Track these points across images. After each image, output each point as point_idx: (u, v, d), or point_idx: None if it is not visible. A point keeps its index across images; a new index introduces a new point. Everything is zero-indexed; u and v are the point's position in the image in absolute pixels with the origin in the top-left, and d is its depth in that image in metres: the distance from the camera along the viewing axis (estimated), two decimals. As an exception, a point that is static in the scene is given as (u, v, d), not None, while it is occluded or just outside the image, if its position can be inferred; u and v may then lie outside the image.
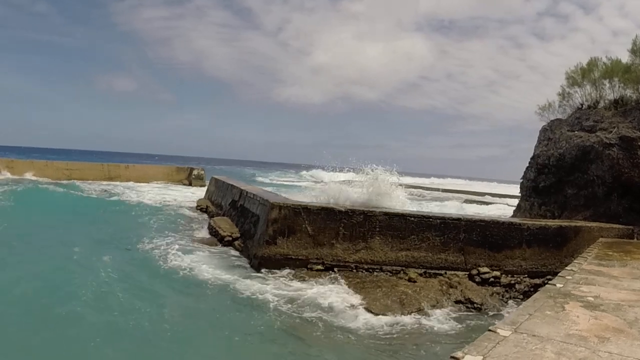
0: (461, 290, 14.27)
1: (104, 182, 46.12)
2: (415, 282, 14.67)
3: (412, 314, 12.61)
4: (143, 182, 48.83)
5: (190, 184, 51.09)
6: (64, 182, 42.68)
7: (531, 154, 24.49)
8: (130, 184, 46.99)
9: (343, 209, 15.91)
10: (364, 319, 12.07)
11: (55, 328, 10.59)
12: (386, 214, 15.93)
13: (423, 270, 15.32)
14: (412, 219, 15.81)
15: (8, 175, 41.85)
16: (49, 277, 14.26)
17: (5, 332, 10.00)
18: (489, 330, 6.27)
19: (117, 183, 46.68)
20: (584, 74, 22.77)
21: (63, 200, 31.82)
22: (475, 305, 13.71)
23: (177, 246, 18.78)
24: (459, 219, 16.09)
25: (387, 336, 11.23)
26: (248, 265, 16.51)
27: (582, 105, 22.78)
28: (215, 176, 35.57)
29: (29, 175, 42.42)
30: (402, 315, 12.50)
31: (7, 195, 29.49)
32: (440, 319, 12.60)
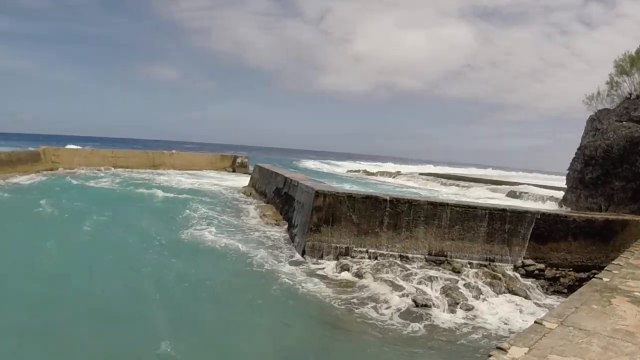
0: (505, 282, 14.15)
1: (149, 170, 46.76)
2: (459, 272, 14.63)
3: (456, 305, 12.55)
4: (187, 170, 49.35)
5: (234, 172, 51.44)
6: (113, 170, 43.65)
7: (577, 145, 24.10)
8: (175, 171, 47.56)
9: (388, 198, 15.89)
10: (406, 310, 12.06)
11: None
12: (431, 203, 15.91)
13: (467, 261, 15.29)
14: (458, 208, 15.73)
15: (60, 169, 42.59)
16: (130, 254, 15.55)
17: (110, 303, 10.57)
18: (535, 322, 6.26)
19: (162, 171, 47.24)
20: (633, 62, 22.25)
21: (120, 190, 32.57)
22: (519, 297, 13.59)
23: (222, 231, 19.18)
24: (504, 210, 15.94)
25: (429, 329, 11.17)
26: (292, 252, 16.63)
27: (630, 94, 22.28)
28: (260, 164, 35.81)
29: (76, 165, 43.14)
30: (445, 307, 12.45)
31: (67, 190, 30.24)
32: (484, 310, 12.53)
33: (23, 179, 32.62)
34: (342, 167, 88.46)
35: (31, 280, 12.44)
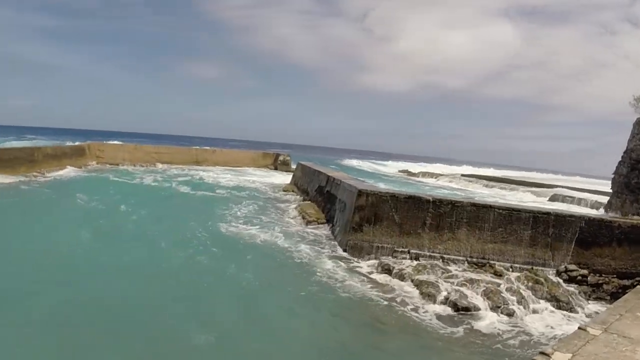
0: (547, 287, 13.97)
1: (192, 166, 47.30)
2: (500, 276, 14.50)
3: (497, 309, 12.47)
4: (229, 167, 49.79)
5: (275, 169, 51.71)
6: (156, 166, 44.44)
7: (624, 149, 23.69)
8: (218, 168, 48.08)
9: (430, 198, 15.89)
10: (447, 312, 12.06)
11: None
12: (474, 204, 15.84)
13: (509, 265, 15.16)
14: (500, 211, 15.60)
15: (104, 164, 43.34)
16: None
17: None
18: (579, 328, 6.25)
19: (204, 167, 47.78)
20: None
21: (162, 187, 33.19)
22: (561, 303, 13.41)
23: (262, 228, 19.47)
24: (548, 214, 15.73)
25: (469, 332, 11.14)
26: (333, 250, 16.72)
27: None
28: (302, 162, 35.96)
29: (120, 160, 43.86)
30: (486, 310, 12.38)
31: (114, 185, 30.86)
32: (525, 315, 12.42)
33: (67, 173, 33.51)
34: (388, 167, 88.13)
35: (68, 272, 12.84)
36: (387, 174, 72.66)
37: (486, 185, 53.83)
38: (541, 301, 13.41)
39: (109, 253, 14.82)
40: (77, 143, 43.42)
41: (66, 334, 9.31)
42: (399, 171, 76.94)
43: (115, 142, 53.09)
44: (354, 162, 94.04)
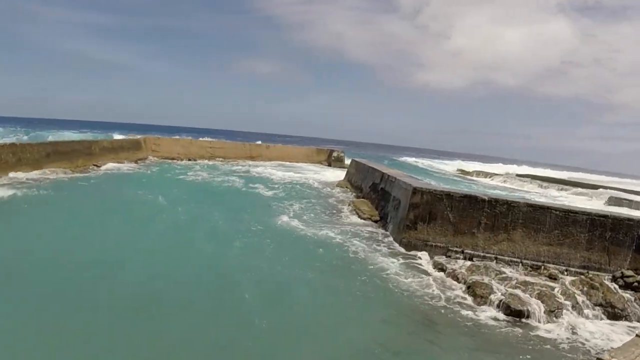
0: (602, 293, 13.68)
1: (245, 161, 47.86)
2: (555, 279, 14.31)
3: (551, 313, 12.31)
4: (283, 162, 50.19)
5: (329, 165, 51.87)
6: (210, 161, 45.17)
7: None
8: (271, 163, 48.55)
9: (486, 198, 15.81)
10: (499, 314, 12.00)
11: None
12: (530, 205, 15.66)
13: (564, 268, 14.96)
14: (557, 212, 15.39)
15: (161, 159, 44.13)
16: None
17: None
18: (637, 335, 6.21)
19: (258, 162, 48.27)
20: None
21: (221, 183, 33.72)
22: (616, 310, 13.13)
23: (316, 223, 19.71)
24: (605, 216, 15.42)
25: (522, 335, 11.06)
26: (387, 248, 16.71)
27: None
28: (356, 159, 36.03)
29: (175, 154, 44.71)
30: (540, 314, 12.17)
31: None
32: (579, 320, 12.26)
33: (123, 166, 34.32)
34: (443, 165, 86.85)
35: (132, 261, 13.42)
36: (441, 171, 72.02)
37: (541, 186, 52.86)
38: (596, 307, 13.17)
39: (164, 244, 15.45)
40: (133, 137, 44.27)
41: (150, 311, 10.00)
42: (461, 170, 75.73)
43: (170, 137, 54.04)
44: (410, 160, 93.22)
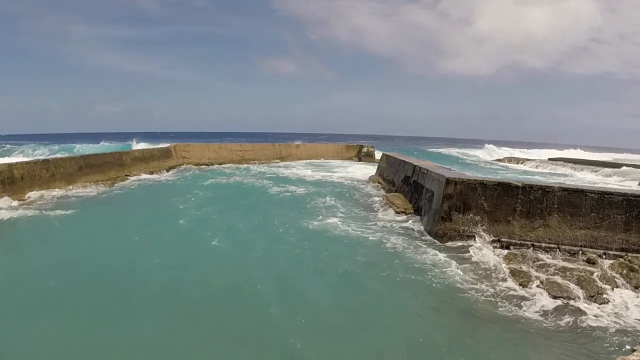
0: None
1: (276, 162, 48.20)
2: (594, 264, 14.20)
3: (591, 298, 12.22)
4: (314, 160, 50.47)
5: (360, 161, 52.00)
6: (240, 164, 45.53)
7: None
8: (302, 162, 48.89)
9: (520, 184, 15.76)
10: (540, 302, 11.91)
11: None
12: (565, 189, 15.52)
13: (602, 252, 14.83)
14: (592, 195, 15.23)
15: (192, 166, 44.61)
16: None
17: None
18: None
19: (288, 162, 48.57)
20: None
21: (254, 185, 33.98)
22: (658, 290, 12.99)
23: (350, 219, 19.84)
24: (642, 197, 15.29)
25: (565, 322, 10.96)
26: (422, 240, 16.76)
27: None
28: (386, 152, 36.03)
29: (205, 159, 45.31)
30: (581, 300, 12.12)
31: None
32: (621, 304, 12.11)
33: (155, 175, 34.84)
34: (473, 154, 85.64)
35: (168, 264, 13.77)
36: (474, 159, 71.59)
37: (574, 168, 52.36)
38: (636, 290, 13.07)
39: (201, 245, 15.77)
40: (163, 145, 44.78)
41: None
42: (495, 160, 74.36)
43: (199, 143, 54.56)
44: (442, 150, 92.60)
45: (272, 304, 10.97)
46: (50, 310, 10.54)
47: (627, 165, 51.21)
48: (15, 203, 20.92)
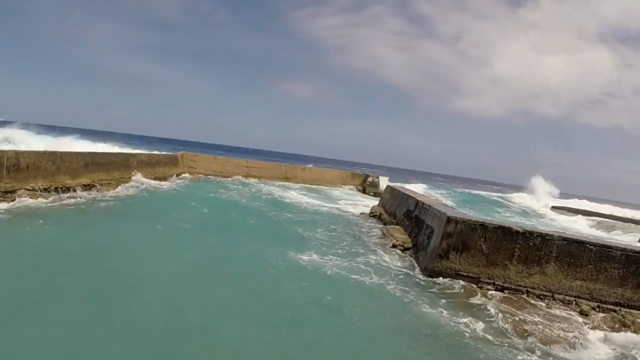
0: (634, 331, 13.61)
1: (280, 183, 48.28)
2: (587, 315, 14.25)
3: (581, 346, 12.13)
4: (318, 185, 50.51)
5: (364, 190, 52.04)
6: (245, 180, 45.75)
7: None
8: (306, 186, 49.06)
9: (520, 230, 15.84)
10: (530, 346, 11.83)
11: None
12: (564, 239, 15.61)
13: (596, 304, 14.90)
14: (591, 247, 15.32)
15: (197, 176, 44.81)
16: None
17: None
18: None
19: (292, 184, 48.59)
20: None
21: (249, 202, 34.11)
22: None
23: (347, 252, 19.53)
24: (640, 253, 15.30)
25: None
26: (418, 276, 16.71)
27: None
28: (391, 184, 36.21)
29: (211, 171, 45.56)
30: (570, 349, 11.97)
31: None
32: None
33: (158, 182, 34.97)
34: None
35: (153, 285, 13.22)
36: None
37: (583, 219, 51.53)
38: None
39: (180, 273, 14.60)
40: (169, 153, 44.86)
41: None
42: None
43: (207, 154, 54.63)
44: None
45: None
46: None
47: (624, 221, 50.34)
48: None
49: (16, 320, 9.79)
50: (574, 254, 15.31)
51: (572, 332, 12.88)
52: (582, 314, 14.31)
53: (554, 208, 62.62)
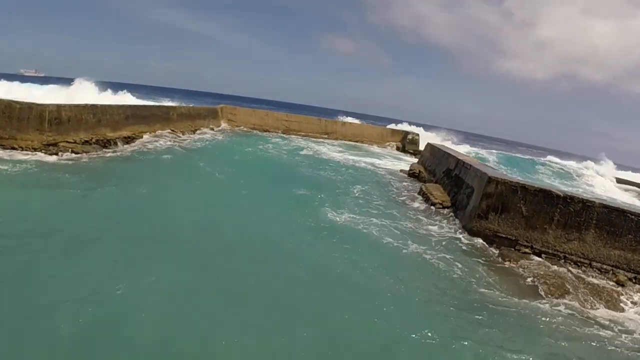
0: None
1: (320, 137, 48.43)
2: (623, 286, 14.09)
3: (615, 319, 12.04)
4: (357, 141, 50.32)
5: (403, 148, 51.68)
6: (284, 134, 46.06)
7: None
8: (345, 142, 48.91)
9: (561, 194, 15.65)
10: (565, 313, 11.87)
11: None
12: (606, 206, 15.33)
13: (633, 275, 14.69)
14: (633, 217, 14.99)
15: (236, 129, 44.88)
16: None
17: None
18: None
19: (332, 140, 48.65)
20: None
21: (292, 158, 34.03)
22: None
23: (385, 209, 19.65)
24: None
25: (586, 336, 10.79)
26: (457, 236, 16.69)
27: None
28: (432, 142, 35.87)
29: (250, 125, 45.83)
30: (606, 319, 11.91)
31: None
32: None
33: (198, 136, 35.39)
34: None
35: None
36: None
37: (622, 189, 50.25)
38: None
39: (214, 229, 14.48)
40: (210, 106, 45.04)
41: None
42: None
43: (247, 107, 54.57)
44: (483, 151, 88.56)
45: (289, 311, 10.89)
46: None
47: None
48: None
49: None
50: (614, 222, 15.07)
51: (608, 301, 12.83)
52: (619, 284, 14.15)
53: (619, 181, 59.92)
